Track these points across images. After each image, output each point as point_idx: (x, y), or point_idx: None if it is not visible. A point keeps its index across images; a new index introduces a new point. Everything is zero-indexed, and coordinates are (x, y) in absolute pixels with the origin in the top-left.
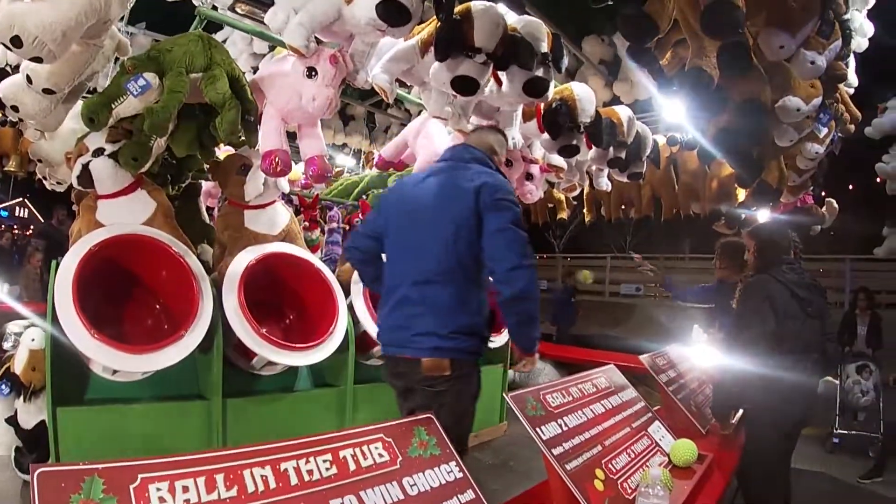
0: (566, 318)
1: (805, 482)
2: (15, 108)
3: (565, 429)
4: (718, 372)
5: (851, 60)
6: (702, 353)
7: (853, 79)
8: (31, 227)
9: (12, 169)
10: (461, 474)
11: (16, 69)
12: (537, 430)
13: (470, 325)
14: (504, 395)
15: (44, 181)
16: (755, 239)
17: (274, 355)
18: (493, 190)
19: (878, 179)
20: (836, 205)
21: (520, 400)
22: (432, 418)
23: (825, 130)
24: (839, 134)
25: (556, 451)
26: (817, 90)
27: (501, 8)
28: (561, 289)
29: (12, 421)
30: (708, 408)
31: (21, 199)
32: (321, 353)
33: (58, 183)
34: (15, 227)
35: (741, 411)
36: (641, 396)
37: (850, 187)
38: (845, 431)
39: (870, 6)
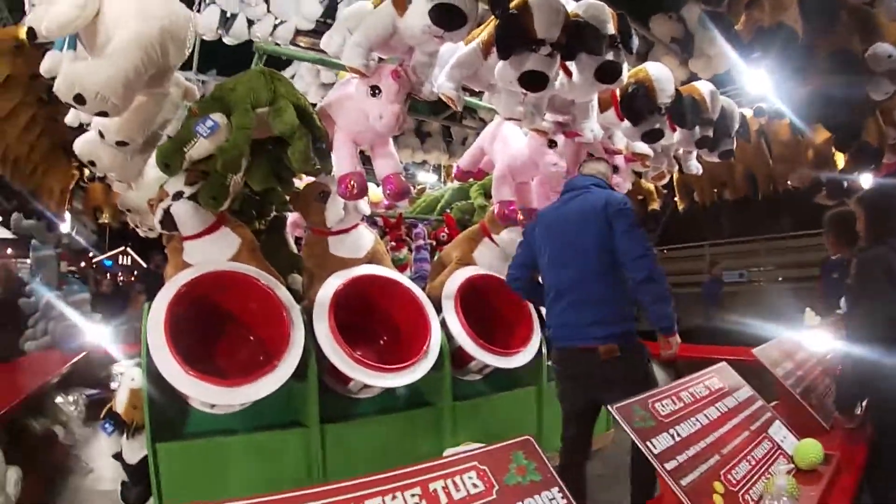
0: (715, 310)
1: None
2: (93, 164)
3: (678, 439)
4: (840, 360)
5: None
6: (817, 339)
7: None
8: (135, 272)
9: (106, 221)
10: (564, 501)
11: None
12: (648, 443)
13: (625, 311)
14: (608, 406)
15: (137, 229)
16: (864, 207)
17: (368, 378)
18: (615, 203)
19: None
20: None
21: (626, 411)
22: (531, 440)
23: None
24: None
25: (669, 466)
26: None
27: None
28: (708, 281)
29: (118, 457)
30: (830, 400)
31: (123, 247)
32: (416, 372)
33: (150, 230)
34: (120, 273)
35: (866, 402)
36: (758, 394)
37: None
38: None
39: None
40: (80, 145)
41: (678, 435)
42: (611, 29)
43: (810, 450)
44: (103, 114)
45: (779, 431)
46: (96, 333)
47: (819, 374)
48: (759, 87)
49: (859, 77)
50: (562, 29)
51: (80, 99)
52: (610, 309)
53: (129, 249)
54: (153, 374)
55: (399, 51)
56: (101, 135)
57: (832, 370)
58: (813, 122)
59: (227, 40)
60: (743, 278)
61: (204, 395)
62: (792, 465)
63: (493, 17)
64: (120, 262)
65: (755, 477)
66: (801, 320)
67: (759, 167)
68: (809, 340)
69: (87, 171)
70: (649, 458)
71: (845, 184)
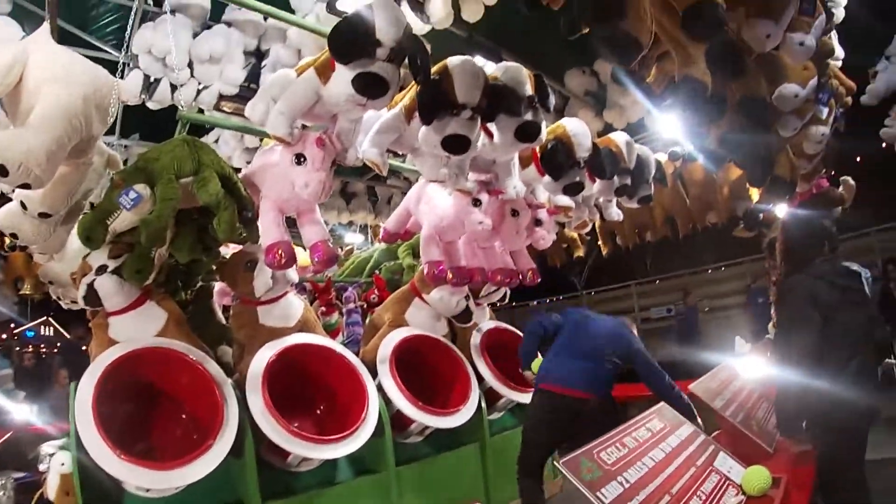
0: (693, 341)
1: (887, 472)
2: (14, 236)
3: (627, 486)
4: (777, 384)
5: (833, 33)
6: (750, 366)
7: (839, 51)
8: (58, 344)
9: (28, 292)
10: None
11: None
12: (598, 494)
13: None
14: (554, 462)
15: (59, 301)
16: (782, 236)
17: (308, 451)
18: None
19: (884, 145)
20: (852, 182)
21: (573, 464)
22: None
23: (826, 110)
24: (840, 109)
25: None
26: (811, 71)
27: (478, 60)
28: (685, 310)
29: None
30: (770, 424)
31: (45, 317)
32: (357, 440)
33: (72, 302)
34: (42, 345)
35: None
36: (699, 428)
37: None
38: None
39: None
40: (2, 216)
41: (626, 482)
42: (529, 90)
43: (757, 476)
44: (26, 186)
45: (724, 462)
46: (21, 412)
47: (757, 400)
48: (671, 131)
49: (769, 117)
50: (482, 92)
51: (2, 170)
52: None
53: (51, 319)
54: (84, 458)
55: (322, 118)
56: (24, 206)
57: (768, 394)
58: (725, 163)
59: (150, 105)
60: (671, 313)
61: (137, 479)
62: (741, 496)
63: (414, 81)
64: (42, 332)
65: None
66: (732, 348)
67: (677, 208)
68: (743, 367)
69: (7, 241)
70: None
71: (761, 216)
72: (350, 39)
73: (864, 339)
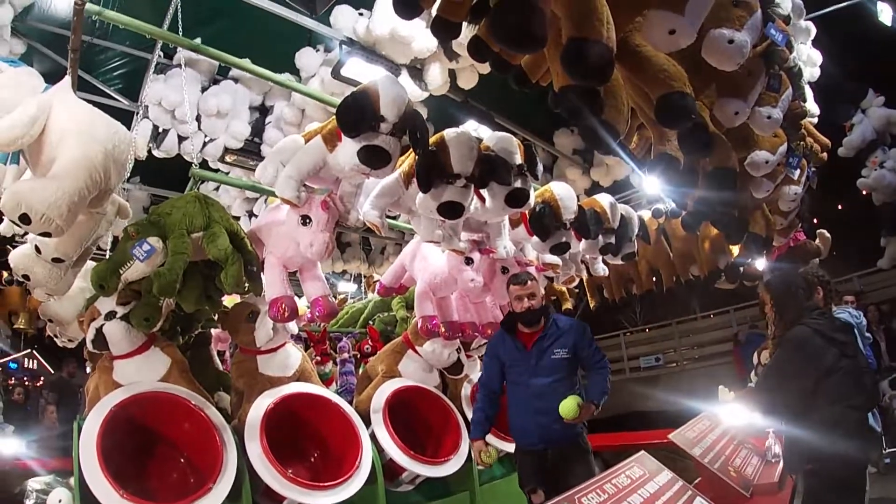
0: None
1: None
2: (26, 277)
3: None
4: (786, 429)
5: (808, 91)
6: (730, 414)
7: (814, 109)
8: (42, 378)
9: (22, 326)
10: None
11: (23, 236)
12: None
13: None
14: None
15: (55, 338)
16: (770, 292)
17: (304, 497)
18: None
19: (864, 192)
20: (828, 234)
21: None
22: None
23: (798, 171)
24: (813, 168)
25: None
26: (781, 138)
27: (471, 125)
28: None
29: None
30: (748, 469)
31: (29, 350)
32: (351, 488)
33: (69, 340)
34: (25, 378)
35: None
36: (678, 476)
37: (840, 207)
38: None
39: (812, 36)
40: (16, 258)
41: None
42: (518, 159)
43: None
44: (46, 234)
45: None
46: (9, 446)
47: (736, 447)
48: (655, 189)
49: (740, 184)
50: (475, 163)
51: (25, 219)
52: None
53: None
54: (86, 497)
55: (327, 182)
56: (38, 250)
57: (746, 442)
58: (700, 224)
59: (157, 154)
60: (659, 363)
61: None
62: None
63: (413, 152)
64: (26, 365)
65: None
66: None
67: (661, 262)
68: (723, 416)
69: (4, 274)
70: None
71: (741, 269)
72: (357, 115)
73: (858, 389)
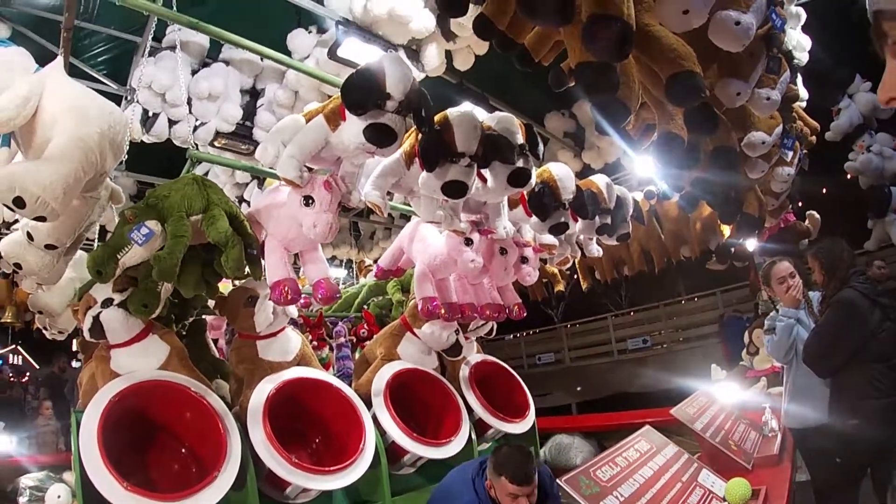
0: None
1: None
2: (18, 266)
3: (623, 499)
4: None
5: (798, 76)
6: (727, 391)
7: (804, 93)
8: (27, 373)
9: (9, 320)
10: None
11: (10, 227)
12: None
13: None
14: (558, 481)
15: (44, 331)
16: (821, 259)
17: (309, 482)
18: None
19: (849, 176)
20: (817, 215)
21: (573, 482)
22: None
23: (791, 153)
24: (804, 150)
25: None
26: (777, 119)
27: (466, 106)
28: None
29: None
30: (748, 442)
31: (13, 346)
32: (356, 471)
33: (59, 332)
34: (11, 375)
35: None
36: (682, 449)
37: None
38: None
39: (802, 22)
40: (7, 246)
41: (622, 496)
42: (520, 139)
43: (738, 487)
44: (41, 218)
45: (707, 478)
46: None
47: (734, 422)
48: (646, 171)
49: (738, 163)
50: (479, 142)
51: (19, 202)
52: None
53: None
54: (87, 490)
55: (328, 162)
56: (31, 237)
57: (743, 417)
58: (698, 204)
59: (146, 139)
60: (647, 344)
61: None
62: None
63: (417, 130)
64: (10, 361)
65: None
66: (708, 375)
67: (653, 244)
68: (719, 393)
69: None
70: None
71: (733, 250)
72: (363, 92)
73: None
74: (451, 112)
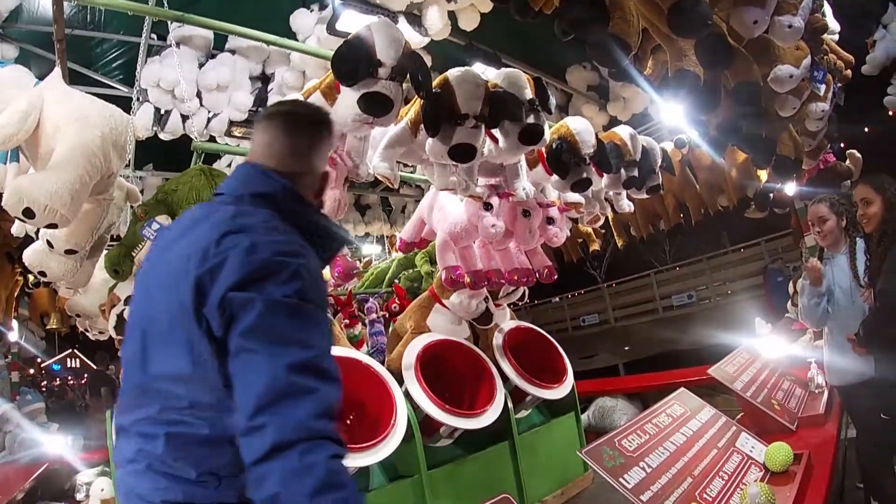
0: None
1: None
2: (42, 274)
3: (649, 471)
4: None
5: (827, 7)
6: (771, 346)
7: (834, 25)
8: (85, 375)
9: (54, 326)
10: None
11: (36, 234)
12: (620, 480)
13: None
14: (578, 452)
15: (87, 333)
16: (883, 193)
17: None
18: (229, 249)
19: (891, 113)
20: (858, 155)
21: (595, 453)
22: (508, 497)
23: (824, 87)
24: (839, 84)
25: (644, 498)
26: (804, 51)
27: (478, 67)
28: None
29: None
30: (793, 401)
31: (70, 350)
32: (389, 446)
33: (100, 332)
34: (69, 378)
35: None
36: (720, 412)
37: (866, 130)
38: None
39: None
40: (29, 256)
41: (649, 466)
42: (529, 94)
43: (779, 452)
44: (52, 225)
45: (746, 443)
46: (55, 444)
47: (778, 379)
48: (675, 119)
49: (766, 101)
50: (483, 101)
51: (28, 213)
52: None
53: (76, 352)
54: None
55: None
56: (50, 244)
57: (788, 374)
58: (726, 149)
59: (162, 136)
60: (692, 300)
61: None
62: (764, 471)
63: (417, 96)
64: (68, 365)
65: (730, 491)
66: (753, 330)
67: (688, 195)
68: (763, 348)
69: (31, 277)
70: (624, 493)
71: (771, 196)
72: (352, 62)
73: None
74: (451, 73)
